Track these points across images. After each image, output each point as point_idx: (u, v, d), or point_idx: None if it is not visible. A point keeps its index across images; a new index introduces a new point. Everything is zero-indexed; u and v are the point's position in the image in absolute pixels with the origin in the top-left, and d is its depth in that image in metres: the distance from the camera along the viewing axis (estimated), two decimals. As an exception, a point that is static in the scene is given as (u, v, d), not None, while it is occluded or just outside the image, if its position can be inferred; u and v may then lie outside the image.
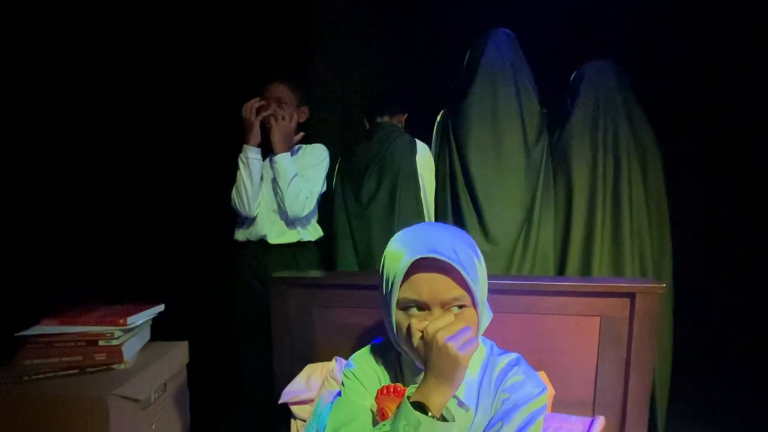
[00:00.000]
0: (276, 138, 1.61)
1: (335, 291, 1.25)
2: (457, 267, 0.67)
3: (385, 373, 0.82)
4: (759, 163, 1.92)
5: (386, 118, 1.83)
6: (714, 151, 1.97)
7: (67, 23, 1.55)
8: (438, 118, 1.80)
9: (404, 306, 0.72)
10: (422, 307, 0.71)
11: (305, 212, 1.63)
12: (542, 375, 1.12)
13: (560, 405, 1.13)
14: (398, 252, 0.71)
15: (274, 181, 1.61)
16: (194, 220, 1.72)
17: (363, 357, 0.85)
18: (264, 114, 1.60)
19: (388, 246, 0.76)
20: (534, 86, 1.67)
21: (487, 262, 1.58)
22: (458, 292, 0.69)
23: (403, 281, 0.70)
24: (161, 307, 1.28)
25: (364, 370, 0.82)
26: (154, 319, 1.30)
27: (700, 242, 1.92)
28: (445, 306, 0.70)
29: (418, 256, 0.68)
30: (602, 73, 1.67)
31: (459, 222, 1.67)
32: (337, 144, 1.82)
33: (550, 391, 1.09)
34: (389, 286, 0.72)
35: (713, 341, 1.98)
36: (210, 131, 1.78)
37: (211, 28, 1.85)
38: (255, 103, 1.59)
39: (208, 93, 1.84)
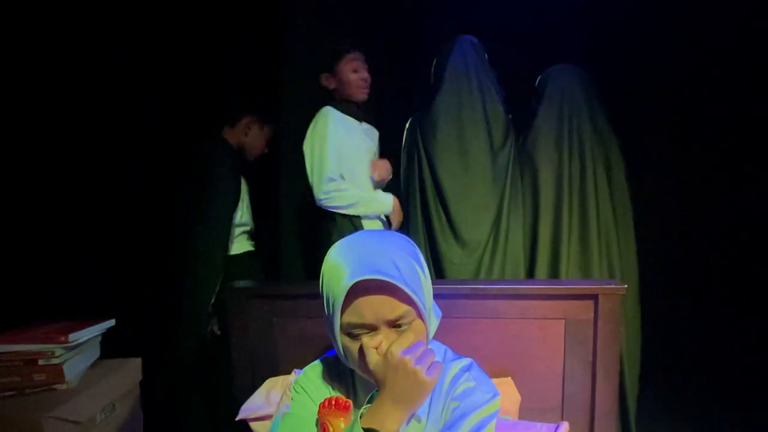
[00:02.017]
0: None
1: (296, 301, 1.21)
2: (400, 285, 0.64)
3: (337, 386, 0.78)
4: (722, 164, 1.97)
5: None
6: (676, 153, 2.02)
7: (68, 23, 1.51)
8: (407, 125, 1.80)
9: (349, 331, 0.67)
10: (367, 327, 0.67)
11: None
12: (509, 381, 1.10)
13: (528, 411, 1.11)
14: (336, 270, 0.67)
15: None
16: (147, 230, 1.65)
17: (314, 370, 0.81)
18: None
19: (325, 261, 0.71)
20: (499, 92, 1.69)
21: (457, 266, 1.58)
22: (403, 308, 0.65)
23: (344, 304, 0.66)
24: (111, 323, 1.21)
25: (314, 383, 0.78)
26: (106, 335, 1.22)
27: (665, 242, 1.96)
28: (391, 324, 0.66)
29: (357, 279, 0.63)
30: (566, 76, 1.70)
31: (429, 227, 1.66)
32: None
33: (516, 398, 1.07)
34: (331, 309, 0.68)
35: (681, 340, 2.01)
36: (163, 141, 1.75)
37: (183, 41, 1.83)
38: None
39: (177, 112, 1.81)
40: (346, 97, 1.59)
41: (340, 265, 0.67)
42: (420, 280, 0.68)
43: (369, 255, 0.66)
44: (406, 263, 0.67)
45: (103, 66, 1.67)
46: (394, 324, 0.66)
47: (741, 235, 1.94)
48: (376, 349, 0.65)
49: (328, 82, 1.60)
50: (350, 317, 0.66)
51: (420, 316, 0.68)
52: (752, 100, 1.83)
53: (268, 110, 1.85)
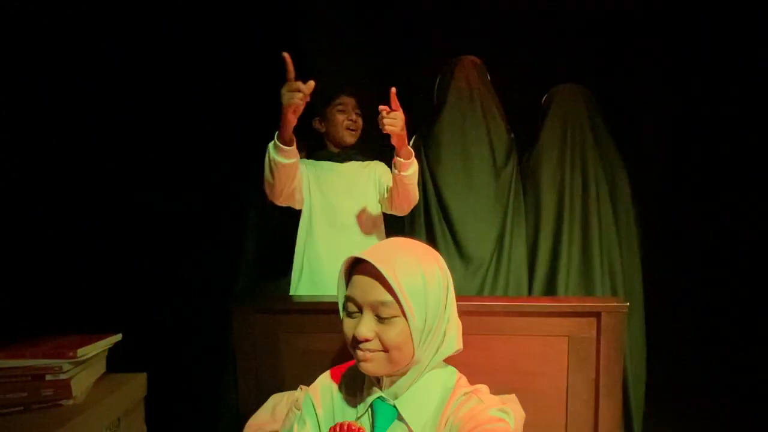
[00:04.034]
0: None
1: (303, 316, 1.22)
2: (383, 272, 0.68)
3: (344, 394, 0.80)
4: (728, 178, 1.99)
5: None
6: (679, 171, 2.05)
7: (69, 23, 1.53)
8: (410, 143, 1.83)
9: (346, 305, 0.74)
10: (356, 306, 0.72)
11: None
12: (513, 398, 1.11)
13: (533, 429, 1.11)
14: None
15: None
16: (154, 245, 1.66)
17: (322, 380, 0.84)
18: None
19: None
20: (501, 111, 1.73)
21: (462, 283, 1.59)
22: (386, 297, 0.69)
23: (348, 279, 0.75)
24: (118, 337, 1.21)
25: (321, 393, 0.82)
26: (111, 349, 1.23)
27: (669, 260, 1.97)
28: (375, 310, 0.70)
29: (354, 256, 0.72)
30: (570, 96, 1.75)
31: (432, 244, 1.67)
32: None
33: (521, 415, 1.07)
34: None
35: (688, 358, 2.01)
36: (172, 154, 1.76)
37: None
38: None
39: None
40: (336, 140, 1.55)
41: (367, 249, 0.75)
42: (418, 286, 0.70)
43: (382, 247, 0.74)
44: (410, 266, 0.71)
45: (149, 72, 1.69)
46: (377, 311, 0.70)
47: (747, 250, 1.95)
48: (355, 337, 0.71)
49: (320, 126, 1.57)
50: (349, 290, 0.74)
51: (403, 313, 0.69)
52: (755, 113, 1.86)
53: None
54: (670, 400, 1.89)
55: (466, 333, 1.15)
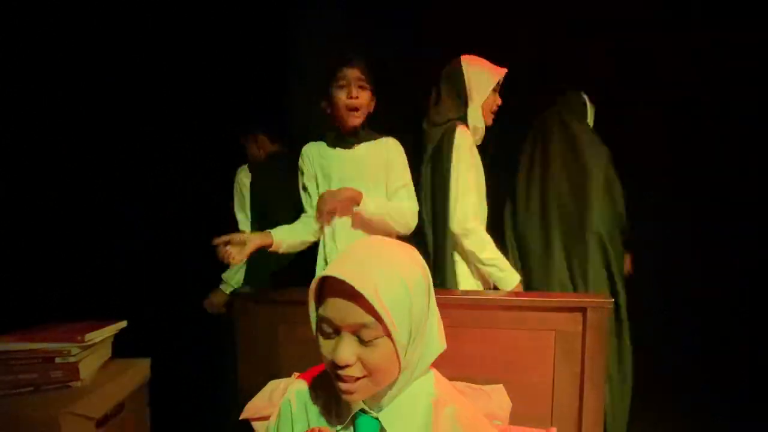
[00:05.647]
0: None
1: (301, 307, 1.25)
2: (364, 294, 0.60)
3: (321, 399, 0.75)
4: (720, 171, 2.01)
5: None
6: (674, 180, 2.07)
7: (70, 24, 1.56)
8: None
9: (321, 326, 0.66)
10: (333, 327, 0.65)
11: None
12: (500, 388, 1.15)
13: (519, 419, 1.16)
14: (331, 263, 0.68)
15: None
16: (159, 236, 1.71)
17: (297, 388, 0.78)
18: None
19: None
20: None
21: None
22: (367, 318, 0.62)
23: (322, 297, 0.66)
24: (123, 324, 1.27)
25: (299, 398, 0.77)
26: (117, 335, 1.28)
27: (658, 266, 1.99)
28: (355, 332, 0.63)
29: (325, 275, 0.64)
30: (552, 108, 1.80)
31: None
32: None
33: (508, 404, 1.12)
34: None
35: (672, 365, 2.03)
36: (172, 142, 1.80)
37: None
38: None
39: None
40: (340, 123, 1.32)
41: (336, 259, 0.68)
42: (402, 301, 0.64)
43: (358, 259, 0.66)
44: (392, 279, 0.64)
45: (130, 74, 1.71)
46: (357, 333, 0.63)
47: (739, 249, 1.98)
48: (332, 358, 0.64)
49: (327, 108, 1.34)
50: (322, 310, 0.65)
51: (388, 334, 0.63)
52: (754, 113, 1.87)
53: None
54: (654, 401, 1.92)
55: (457, 326, 1.20)
